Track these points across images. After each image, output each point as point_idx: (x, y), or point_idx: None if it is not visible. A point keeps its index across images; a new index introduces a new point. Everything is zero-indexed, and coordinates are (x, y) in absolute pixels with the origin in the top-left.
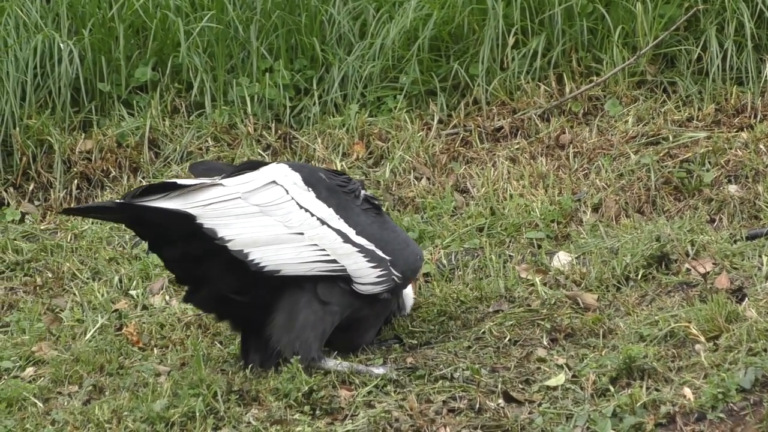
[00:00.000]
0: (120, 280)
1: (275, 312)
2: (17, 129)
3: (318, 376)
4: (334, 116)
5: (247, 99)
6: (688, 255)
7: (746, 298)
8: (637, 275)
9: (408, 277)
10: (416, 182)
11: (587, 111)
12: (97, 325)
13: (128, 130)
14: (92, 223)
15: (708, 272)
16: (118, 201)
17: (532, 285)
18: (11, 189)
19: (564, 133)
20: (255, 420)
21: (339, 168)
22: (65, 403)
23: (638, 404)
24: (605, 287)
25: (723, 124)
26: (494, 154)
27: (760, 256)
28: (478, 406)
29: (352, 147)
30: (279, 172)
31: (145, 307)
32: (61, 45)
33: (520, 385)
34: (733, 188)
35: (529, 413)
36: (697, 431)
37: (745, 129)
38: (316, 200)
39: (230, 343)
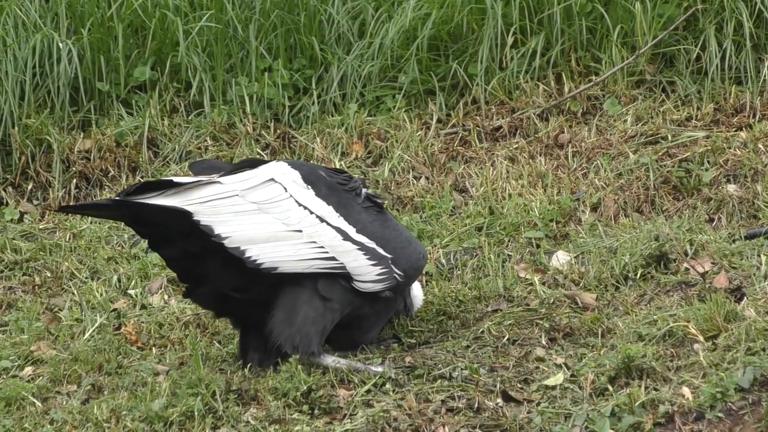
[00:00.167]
0: (119, 280)
1: (276, 308)
2: (16, 128)
3: (317, 376)
4: (333, 116)
5: (246, 98)
6: (686, 254)
7: (745, 298)
8: (635, 275)
9: (411, 276)
10: (415, 182)
11: (586, 110)
12: (96, 325)
13: (127, 130)
14: (91, 223)
15: (707, 272)
16: (113, 198)
17: (531, 284)
18: (10, 188)
19: (563, 132)
20: (254, 419)
21: (338, 167)
22: (64, 403)
23: (637, 404)
24: (604, 287)
25: (722, 124)
26: (493, 154)
27: (758, 256)
28: (476, 405)
29: (351, 146)
30: (278, 169)
31: (143, 307)
32: (60, 44)
33: (519, 385)
34: (731, 188)
35: (528, 413)
36: (695, 431)
37: (743, 128)
38: (315, 198)
39: (229, 342)
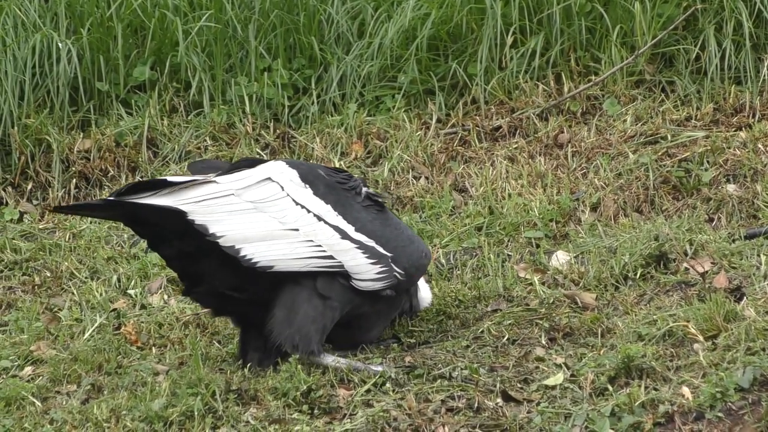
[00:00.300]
0: (118, 280)
1: (275, 308)
2: (16, 128)
3: (316, 375)
4: (332, 115)
5: (246, 98)
6: (686, 254)
7: (744, 298)
8: (635, 274)
9: (412, 274)
10: (415, 181)
11: (586, 110)
12: (96, 325)
13: (126, 130)
14: (90, 223)
15: (706, 271)
16: (106, 198)
17: (531, 284)
18: (9, 188)
19: (562, 132)
20: (253, 419)
21: (338, 167)
22: (64, 402)
23: (637, 403)
24: (604, 286)
25: (721, 124)
26: (493, 154)
27: (758, 256)
28: (476, 405)
29: (351, 146)
30: (275, 169)
31: (143, 307)
32: (60, 44)
33: (519, 385)
34: (731, 187)
35: (528, 412)
36: (695, 430)
37: (743, 128)
38: (313, 197)
39: (229, 342)
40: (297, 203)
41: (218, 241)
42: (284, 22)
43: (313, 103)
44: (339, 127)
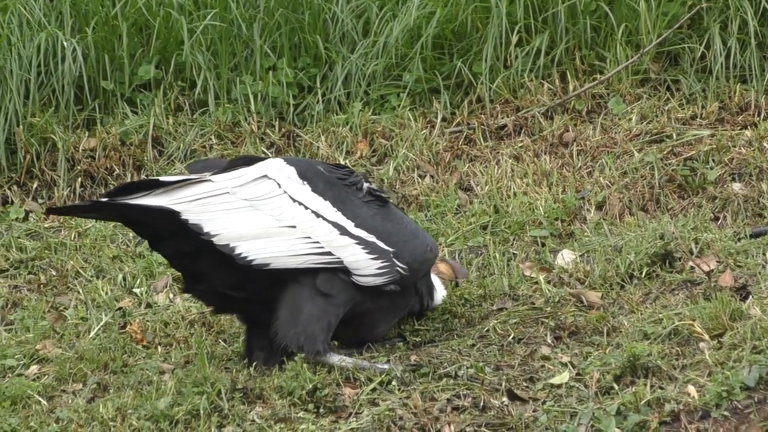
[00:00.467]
0: (124, 278)
1: (279, 308)
2: (21, 127)
3: (322, 374)
4: (337, 114)
5: (251, 97)
6: (692, 253)
7: (750, 296)
8: (641, 273)
9: (416, 269)
10: (420, 180)
11: (591, 109)
12: (101, 323)
13: (132, 128)
14: (96, 221)
15: (712, 270)
16: (97, 200)
17: (536, 283)
18: (15, 187)
19: (568, 131)
20: (259, 418)
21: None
22: (69, 401)
23: (642, 402)
24: (609, 285)
25: (727, 122)
26: (498, 152)
27: (764, 254)
28: (482, 404)
29: (356, 145)
30: (272, 166)
31: (149, 305)
32: (65, 43)
33: (525, 383)
34: (737, 186)
35: (534, 411)
36: (701, 429)
37: (748, 127)
38: (311, 193)
39: (234, 341)
40: (294, 200)
41: (213, 239)
42: (289, 21)
43: (318, 102)
44: (344, 125)
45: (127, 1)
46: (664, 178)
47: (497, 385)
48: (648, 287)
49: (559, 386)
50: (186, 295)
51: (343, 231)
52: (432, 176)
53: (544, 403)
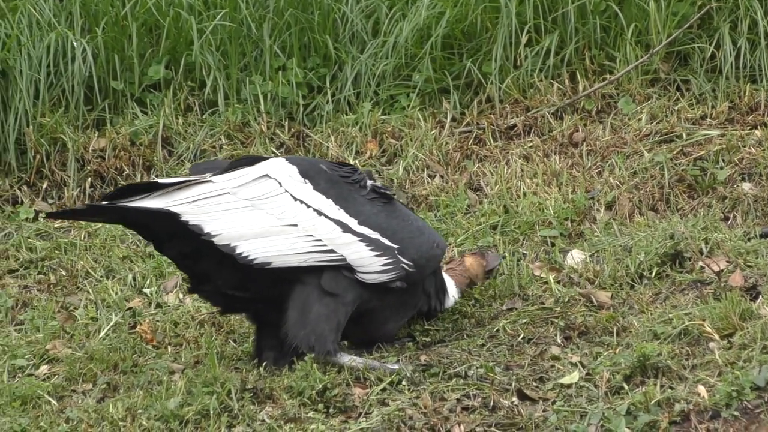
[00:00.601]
0: (134, 278)
1: (288, 309)
2: (31, 127)
3: (332, 374)
4: (347, 114)
5: (260, 97)
6: (701, 253)
7: (760, 296)
8: (650, 273)
9: (423, 266)
10: (429, 180)
11: (600, 109)
12: (111, 323)
13: (141, 129)
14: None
15: (722, 270)
16: (91, 203)
17: (546, 283)
18: (25, 187)
19: (577, 131)
20: (269, 418)
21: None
22: (79, 401)
23: (652, 402)
24: (619, 285)
25: (736, 122)
26: (507, 152)
27: None
28: (492, 404)
29: (366, 145)
30: (274, 165)
31: (158, 305)
32: (75, 43)
33: (534, 383)
34: (746, 186)
35: (543, 411)
36: (711, 429)
37: (758, 127)
38: (313, 192)
39: (244, 341)
40: (296, 199)
41: (213, 240)
42: (299, 21)
43: (327, 102)
44: (354, 125)
45: (136, 1)
46: (674, 178)
47: (507, 385)
48: (658, 287)
49: (569, 386)
50: (195, 296)
51: (346, 228)
52: (442, 176)
53: (553, 403)
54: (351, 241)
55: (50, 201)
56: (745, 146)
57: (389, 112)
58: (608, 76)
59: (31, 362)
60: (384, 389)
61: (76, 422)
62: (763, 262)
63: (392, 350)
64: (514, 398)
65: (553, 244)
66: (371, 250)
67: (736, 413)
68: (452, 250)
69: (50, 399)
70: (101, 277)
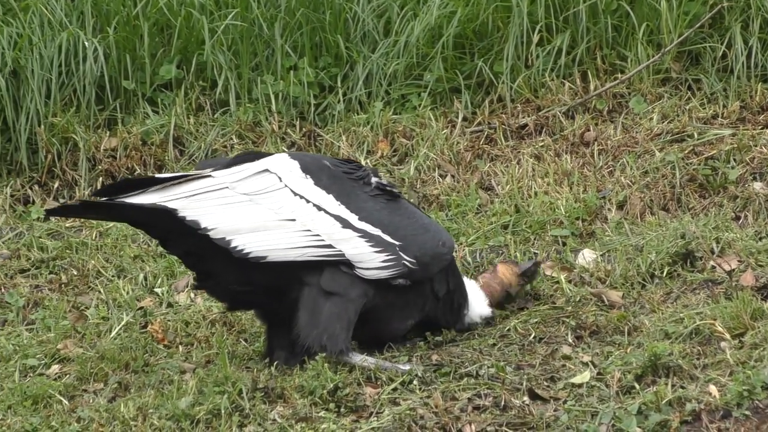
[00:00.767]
0: (145, 278)
1: (299, 309)
2: (42, 127)
3: (343, 373)
4: (358, 114)
5: (272, 97)
6: (713, 252)
7: None
8: (662, 272)
9: (427, 263)
10: (441, 180)
11: (612, 108)
12: (123, 323)
13: (153, 128)
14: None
15: (733, 269)
16: (84, 200)
17: (557, 282)
18: (36, 187)
19: (589, 130)
20: (280, 417)
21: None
22: (91, 401)
23: (663, 402)
24: (630, 285)
25: (748, 122)
26: (519, 152)
27: None
28: (503, 403)
29: (377, 144)
30: (275, 160)
31: (170, 305)
32: (86, 43)
33: (545, 383)
34: (758, 185)
35: (555, 410)
36: (722, 429)
37: None
38: (314, 187)
39: (255, 340)
40: (296, 194)
41: (209, 233)
42: (310, 21)
43: (339, 102)
44: (365, 125)
45: (148, 1)
46: (685, 178)
47: (518, 384)
48: (669, 287)
49: (580, 386)
50: (207, 295)
51: (346, 224)
52: (453, 176)
53: (565, 402)
54: (350, 237)
55: (62, 200)
56: (756, 146)
57: (400, 112)
58: (619, 75)
59: (43, 362)
60: (395, 389)
61: (87, 422)
62: None
63: (403, 350)
64: (525, 398)
65: (564, 244)
66: (371, 246)
67: (747, 413)
68: (463, 250)
69: (61, 398)
70: (112, 276)
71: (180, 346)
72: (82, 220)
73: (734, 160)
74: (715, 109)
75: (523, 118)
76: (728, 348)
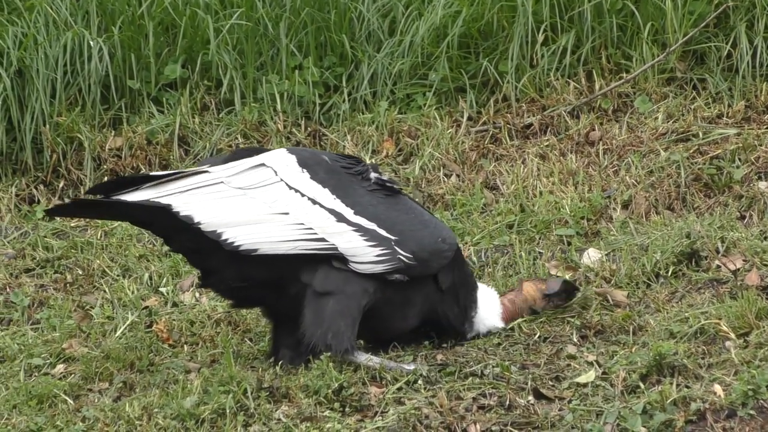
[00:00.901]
0: (150, 277)
1: (303, 309)
2: (47, 126)
3: (348, 373)
4: (363, 113)
5: (277, 96)
6: (718, 252)
7: None
8: (667, 272)
9: (424, 259)
10: (446, 179)
11: (617, 108)
12: (128, 322)
13: (158, 128)
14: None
15: (738, 269)
16: (77, 198)
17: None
18: (41, 186)
19: (594, 130)
20: (285, 417)
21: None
22: (96, 400)
23: (668, 401)
24: (635, 284)
25: (753, 121)
26: (524, 151)
27: None
28: (508, 403)
29: (382, 144)
30: (272, 155)
31: (175, 304)
32: (91, 42)
33: (550, 382)
34: (763, 185)
35: (559, 410)
36: (727, 428)
37: None
38: (309, 181)
39: (260, 340)
40: (291, 188)
41: (200, 226)
42: (315, 20)
43: (344, 101)
44: (370, 124)
45: (153, 0)
46: (690, 177)
47: (523, 384)
48: (674, 286)
49: (585, 385)
50: (212, 294)
51: (340, 218)
52: (458, 175)
53: (569, 402)
54: (344, 230)
55: (67, 200)
56: (761, 145)
57: (405, 111)
58: (625, 75)
59: (48, 361)
60: (400, 388)
61: (92, 421)
62: None
63: (408, 349)
64: (530, 397)
65: (569, 243)
66: (365, 240)
67: (752, 412)
68: (467, 249)
69: (66, 398)
70: (118, 276)
71: (185, 345)
72: (89, 219)
73: (739, 159)
74: (720, 109)
75: (528, 117)
76: (733, 347)
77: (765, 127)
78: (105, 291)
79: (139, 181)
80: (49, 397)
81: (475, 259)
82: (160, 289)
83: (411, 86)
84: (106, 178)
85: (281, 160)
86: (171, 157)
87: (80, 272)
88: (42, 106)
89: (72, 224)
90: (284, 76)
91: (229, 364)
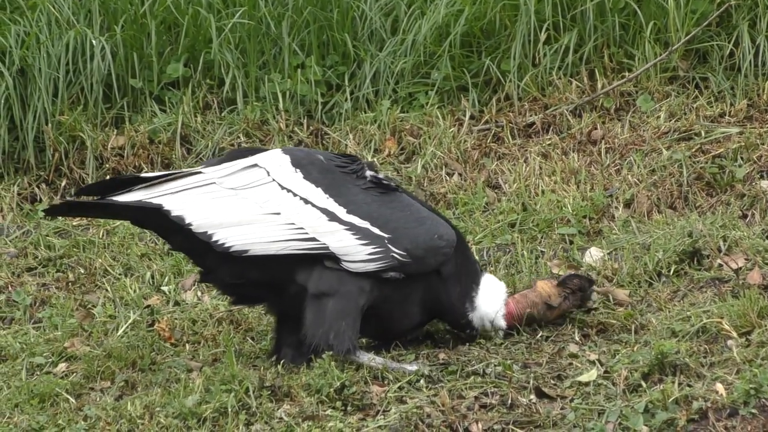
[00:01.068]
0: (152, 276)
1: (306, 308)
2: (49, 125)
3: (350, 372)
4: (365, 112)
5: (279, 95)
6: (720, 250)
7: None
8: (669, 271)
9: (420, 256)
10: (448, 178)
11: (619, 107)
12: (129, 321)
13: (160, 127)
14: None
15: (740, 268)
16: (68, 199)
17: None
18: (44, 185)
19: (596, 128)
20: (287, 416)
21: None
22: (97, 399)
23: (670, 400)
24: (637, 283)
25: (755, 120)
26: (526, 150)
27: None
28: (510, 401)
29: (384, 143)
30: (266, 156)
31: (177, 303)
32: (93, 41)
33: (552, 381)
34: (765, 184)
35: (561, 409)
36: (729, 427)
37: None
38: (302, 181)
39: (262, 338)
40: (283, 188)
41: (191, 227)
42: (317, 19)
43: (346, 100)
44: (372, 123)
45: None
46: (693, 176)
47: (525, 383)
48: (676, 285)
49: (586, 384)
50: (214, 293)
51: (332, 217)
52: (460, 174)
53: (571, 400)
54: (336, 230)
55: (69, 199)
56: (763, 144)
57: (408, 110)
58: (627, 73)
59: (50, 360)
60: (402, 387)
61: (94, 420)
62: None
63: (410, 347)
64: (532, 396)
65: (571, 242)
66: (357, 238)
67: (754, 411)
68: (471, 248)
69: (68, 397)
70: (119, 274)
71: (187, 344)
72: (88, 218)
73: (741, 158)
74: (723, 108)
75: (531, 116)
76: (735, 346)
77: (767, 125)
78: (107, 290)
79: (132, 182)
80: (50, 396)
81: (477, 257)
82: (162, 288)
83: (413, 85)
84: (108, 177)
85: (274, 160)
86: (173, 156)
87: (82, 271)
88: (44, 105)
89: (74, 223)
90: (286, 74)
91: (231, 363)
